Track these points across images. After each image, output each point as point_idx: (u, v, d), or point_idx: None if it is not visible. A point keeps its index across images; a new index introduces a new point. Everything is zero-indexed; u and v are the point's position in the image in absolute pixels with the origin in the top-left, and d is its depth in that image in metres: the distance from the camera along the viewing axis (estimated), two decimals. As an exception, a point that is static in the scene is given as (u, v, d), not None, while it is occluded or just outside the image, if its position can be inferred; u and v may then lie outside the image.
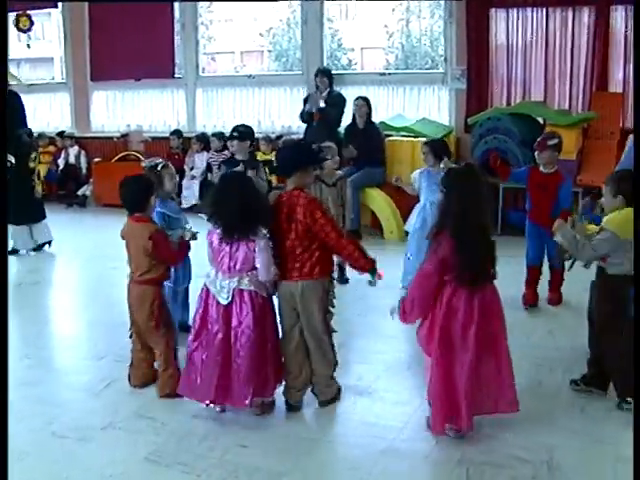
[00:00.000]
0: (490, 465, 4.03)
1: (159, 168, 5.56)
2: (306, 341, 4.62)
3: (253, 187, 4.57)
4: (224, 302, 4.47)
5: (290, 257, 4.48)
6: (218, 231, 4.46)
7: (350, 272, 7.41)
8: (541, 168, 6.61)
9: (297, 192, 4.48)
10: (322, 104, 10.15)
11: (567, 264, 4.96)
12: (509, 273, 6.91)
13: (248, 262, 4.44)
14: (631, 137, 6.01)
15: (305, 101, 10.59)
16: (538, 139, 6.71)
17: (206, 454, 4.19)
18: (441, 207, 4.27)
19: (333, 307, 4.68)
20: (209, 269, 4.60)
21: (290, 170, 4.55)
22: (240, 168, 6.73)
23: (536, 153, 6.61)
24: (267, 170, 7.39)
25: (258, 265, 4.43)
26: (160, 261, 4.85)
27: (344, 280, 7.38)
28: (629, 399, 4.61)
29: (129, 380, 5.09)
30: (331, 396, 4.74)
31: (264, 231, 4.44)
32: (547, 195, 6.49)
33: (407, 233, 7.45)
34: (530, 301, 6.73)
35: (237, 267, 4.45)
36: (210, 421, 4.59)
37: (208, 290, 4.56)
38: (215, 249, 4.51)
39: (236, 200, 4.39)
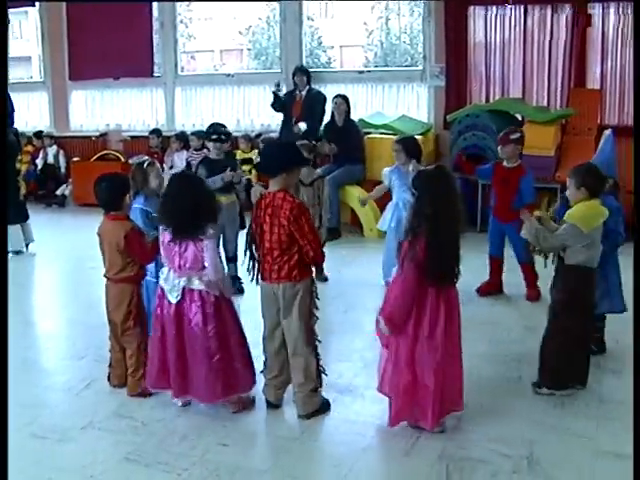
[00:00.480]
0: (470, 460, 4.05)
1: (145, 166, 5.59)
2: (287, 346, 4.59)
3: (200, 187, 4.59)
4: (173, 300, 4.52)
5: (268, 259, 4.45)
6: (168, 232, 4.50)
7: (328, 270, 7.46)
8: (504, 163, 6.68)
9: (282, 194, 4.41)
10: (304, 126, 10.11)
11: (540, 259, 4.98)
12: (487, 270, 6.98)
13: (197, 261, 4.48)
14: (606, 132, 6.05)
15: (275, 94, 10.61)
16: (500, 134, 6.78)
17: (187, 453, 4.19)
18: (413, 210, 4.23)
19: (317, 309, 4.63)
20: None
21: (276, 170, 4.46)
22: (229, 171, 6.79)
23: (499, 147, 6.69)
24: (244, 168, 7.39)
25: (206, 264, 4.47)
26: (135, 259, 4.85)
27: (323, 278, 7.39)
28: (544, 388, 4.79)
29: (109, 380, 5.09)
30: (312, 410, 4.60)
31: (211, 231, 4.46)
32: (509, 189, 6.57)
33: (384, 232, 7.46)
34: (483, 290, 6.83)
35: (187, 266, 4.50)
36: (190, 420, 4.59)
37: (163, 288, 4.62)
38: (166, 248, 4.56)
39: (183, 201, 4.43)
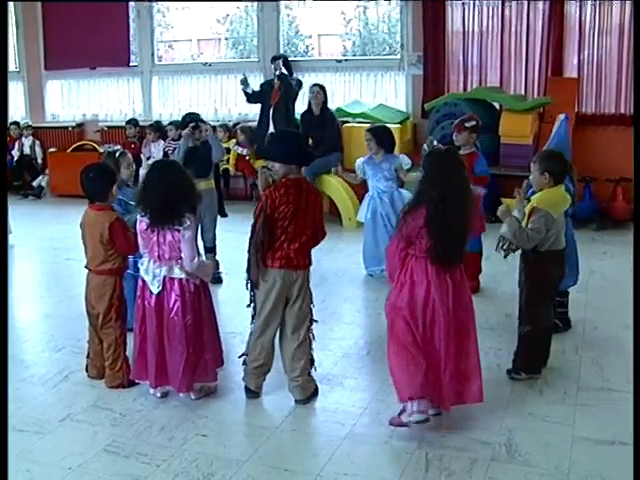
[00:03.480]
0: (449, 448, 4.06)
1: (117, 155, 5.56)
2: (290, 334, 4.60)
3: (178, 175, 4.55)
4: (155, 291, 4.53)
5: (295, 245, 4.45)
6: (145, 219, 4.47)
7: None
8: (460, 151, 6.68)
9: (305, 181, 4.52)
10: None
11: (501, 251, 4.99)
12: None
13: (176, 251, 4.49)
14: (560, 116, 6.07)
15: (244, 92, 10.67)
16: (456, 121, 6.79)
17: (165, 444, 4.18)
18: (417, 189, 4.22)
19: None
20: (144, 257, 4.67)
21: (308, 161, 4.63)
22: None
23: (454, 134, 6.68)
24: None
25: (183, 255, 4.47)
26: (118, 249, 4.79)
27: None
28: (522, 374, 4.86)
29: (86, 371, 5.06)
30: (310, 394, 4.66)
31: (188, 222, 4.45)
32: None
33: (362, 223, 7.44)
34: None
35: (166, 256, 4.51)
36: (169, 411, 4.58)
37: (144, 280, 4.61)
38: (144, 238, 4.55)
39: (163, 189, 4.41)
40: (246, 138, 10.82)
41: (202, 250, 6.28)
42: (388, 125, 7.88)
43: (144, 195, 4.49)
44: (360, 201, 7.97)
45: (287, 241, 4.44)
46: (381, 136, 7.02)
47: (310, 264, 4.59)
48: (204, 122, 7.20)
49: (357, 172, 7.28)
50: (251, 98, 10.68)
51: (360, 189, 8.34)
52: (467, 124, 6.62)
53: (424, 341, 4.18)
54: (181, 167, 4.80)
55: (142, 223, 4.53)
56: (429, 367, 4.17)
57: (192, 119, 7.09)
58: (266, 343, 4.62)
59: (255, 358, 4.66)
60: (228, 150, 10.81)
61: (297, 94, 10.42)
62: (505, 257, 4.94)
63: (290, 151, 4.47)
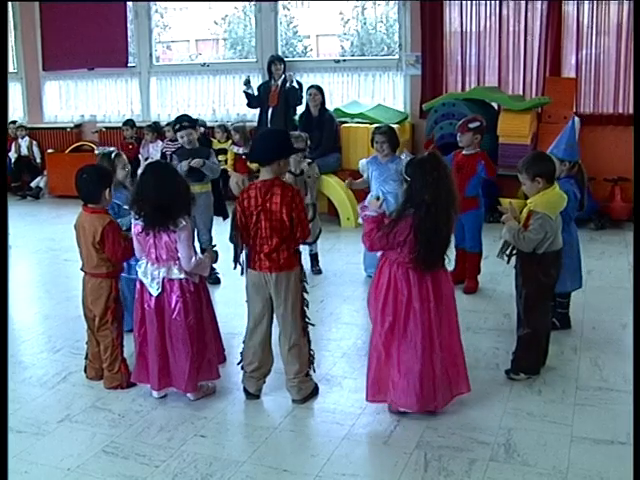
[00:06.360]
0: (448, 448, 4.06)
1: (112, 156, 5.56)
2: (281, 337, 4.60)
3: (172, 178, 4.52)
4: (155, 293, 4.52)
5: (265, 248, 4.41)
6: (140, 222, 4.46)
7: (305, 260, 7.44)
8: (463, 151, 6.67)
9: (279, 182, 4.43)
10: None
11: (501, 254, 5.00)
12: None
13: (173, 252, 4.48)
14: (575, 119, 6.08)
15: (246, 93, 10.68)
16: (460, 121, 6.79)
17: (164, 445, 4.17)
18: (404, 196, 4.23)
19: (307, 292, 4.66)
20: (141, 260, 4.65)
21: (271, 159, 4.42)
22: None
23: (458, 135, 6.67)
24: (220, 158, 7.32)
25: (180, 256, 4.47)
26: (107, 254, 4.75)
27: (317, 271, 7.40)
28: (521, 374, 4.87)
29: (85, 372, 5.06)
30: (306, 394, 4.65)
31: (184, 222, 4.43)
32: (462, 176, 6.44)
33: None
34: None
35: (164, 257, 4.50)
36: (168, 412, 4.57)
37: (142, 281, 4.60)
38: (140, 241, 4.54)
39: (153, 192, 4.38)
40: (240, 137, 10.81)
41: (199, 251, 6.26)
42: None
43: (138, 198, 4.47)
44: (359, 202, 7.95)
45: (259, 243, 4.43)
46: (394, 138, 6.98)
47: (291, 267, 4.49)
48: (195, 122, 7.16)
49: (361, 172, 7.22)
50: (252, 102, 10.69)
51: (360, 189, 8.33)
52: (471, 125, 6.61)
53: (404, 348, 4.24)
54: (174, 168, 4.80)
55: (137, 226, 4.52)
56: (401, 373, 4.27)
57: (181, 120, 7.05)
58: (257, 346, 4.62)
59: (249, 362, 4.66)
60: (225, 151, 10.81)
61: (300, 101, 10.37)
62: (508, 262, 4.95)
63: (267, 149, 4.47)
